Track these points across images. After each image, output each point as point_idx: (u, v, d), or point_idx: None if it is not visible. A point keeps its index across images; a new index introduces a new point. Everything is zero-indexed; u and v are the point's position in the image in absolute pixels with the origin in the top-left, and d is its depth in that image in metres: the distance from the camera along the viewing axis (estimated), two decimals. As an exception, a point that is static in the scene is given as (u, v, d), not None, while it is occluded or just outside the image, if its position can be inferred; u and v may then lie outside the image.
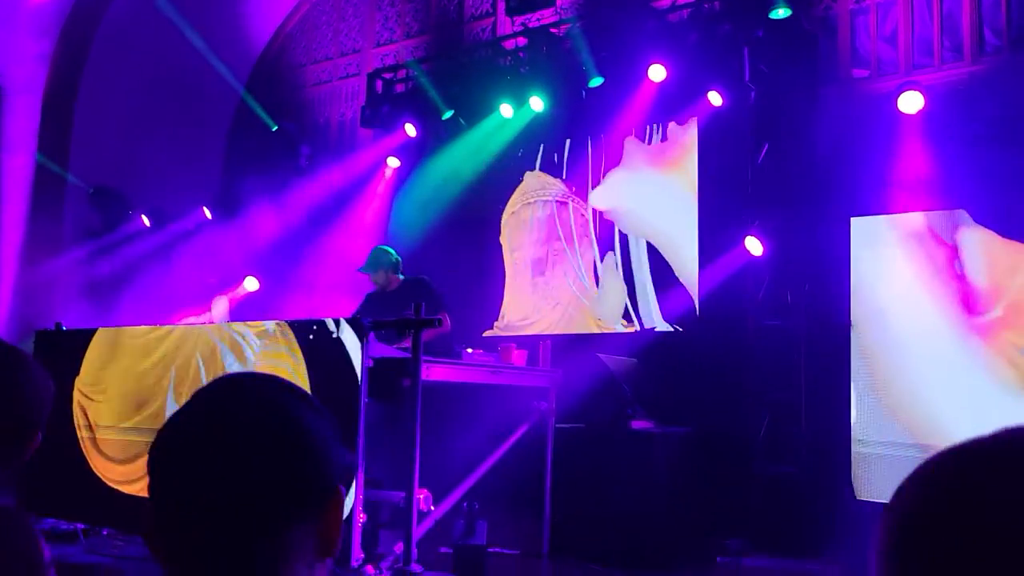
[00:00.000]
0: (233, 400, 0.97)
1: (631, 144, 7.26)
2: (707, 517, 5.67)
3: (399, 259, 6.04)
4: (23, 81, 9.21)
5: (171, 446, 0.96)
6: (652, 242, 7.03)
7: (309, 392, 1.04)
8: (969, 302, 5.44)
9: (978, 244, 5.41)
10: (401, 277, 6.01)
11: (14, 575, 1.03)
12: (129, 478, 5.26)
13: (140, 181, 9.29)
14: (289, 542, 0.93)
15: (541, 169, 7.72)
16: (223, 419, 0.95)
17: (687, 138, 6.92)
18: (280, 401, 0.98)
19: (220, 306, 8.31)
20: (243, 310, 8.21)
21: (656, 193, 7.09)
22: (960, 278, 5.46)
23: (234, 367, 4.85)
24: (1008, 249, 5.31)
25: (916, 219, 5.67)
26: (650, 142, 7.16)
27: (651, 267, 6.98)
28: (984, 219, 5.38)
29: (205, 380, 4.86)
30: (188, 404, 0.99)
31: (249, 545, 0.91)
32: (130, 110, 9.23)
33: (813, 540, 5.55)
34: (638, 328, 6.95)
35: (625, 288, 7.12)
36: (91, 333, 5.75)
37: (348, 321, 4.46)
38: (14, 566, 1.03)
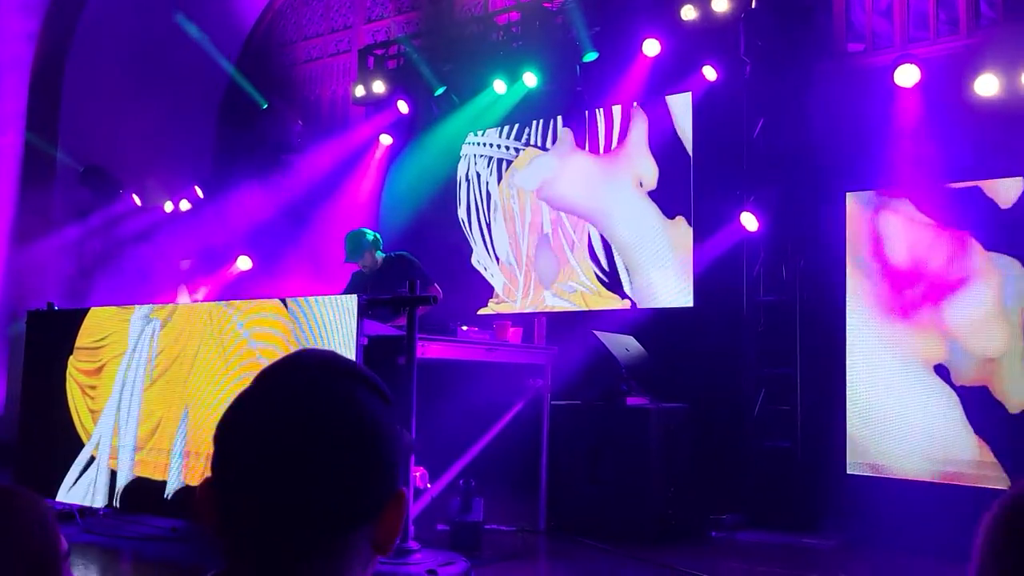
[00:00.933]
0: (309, 392, 0.92)
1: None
2: (702, 492, 5.69)
3: (377, 235, 6.01)
4: (10, 59, 9.11)
5: (244, 436, 0.92)
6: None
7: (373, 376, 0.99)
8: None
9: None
10: (381, 255, 5.97)
11: (16, 568, 0.94)
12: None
13: (130, 160, 9.22)
14: (354, 543, 0.92)
15: (535, 145, 7.67)
16: (300, 415, 0.90)
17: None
18: (357, 397, 0.93)
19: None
20: (237, 289, 8.19)
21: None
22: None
23: (243, 343, 4.84)
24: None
25: (909, 191, 5.68)
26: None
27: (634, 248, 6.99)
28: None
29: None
30: (258, 388, 0.94)
31: (316, 545, 0.89)
32: (119, 88, 9.14)
33: (808, 514, 5.58)
34: (631, 304, 6.96)
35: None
36: (84, 312, 5.72)
37: (343, 300, 4.44)
38: (17, 558, 0.93)
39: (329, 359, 0.98)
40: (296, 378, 0.94)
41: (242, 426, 0.93)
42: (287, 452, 0.89)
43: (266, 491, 0.89)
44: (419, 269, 5.70)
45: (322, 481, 0.89)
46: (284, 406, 0.91)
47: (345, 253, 5.94)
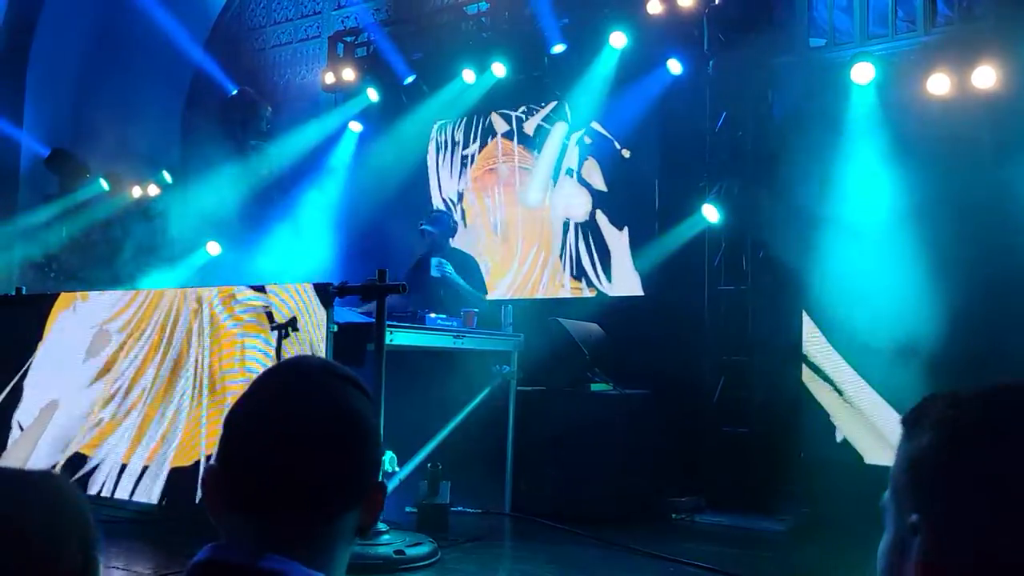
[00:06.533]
0: (311, 392, 1.06)
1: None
2: (663, 476, 5.86)
3: (456, 224, 6.58)
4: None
5: (256, 428, 1.05)
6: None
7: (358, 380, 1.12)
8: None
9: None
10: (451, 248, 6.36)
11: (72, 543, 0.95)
12: (99, 442, 5.29)
13: (97, 144, 9.17)
14: (341, 527, 1.05)
15: (503, 135, 7.76)
16: (305, 412, 1.04)
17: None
18: (351, 399, 1.07)
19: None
20: (206, 275, 8.21)
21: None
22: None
23: (205, 330, 4.90)
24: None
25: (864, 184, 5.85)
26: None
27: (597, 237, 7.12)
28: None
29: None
30: (267, 384, 1.08)
31: (310, 527, 1.02)
32: (85, 72, 9.09)
33: (765, 498, 5.76)
34: (598, 292, 7.09)
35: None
36: (54, 298, 5.74)
37: (317, 286, 4.53)
38: (73, 534, 0.96)
39: (327, 364, 1.13)
40: (300, 378, 1.08)
41: (253, 417, 1.05)
42: (293, 444, 1.02)
43: (271, 477, 1.01)
44: (479, 275, 6.21)
45: (321, 471, 1.02)
46: (292, 402, 1.05)
47: (430, 220, 6.35)
